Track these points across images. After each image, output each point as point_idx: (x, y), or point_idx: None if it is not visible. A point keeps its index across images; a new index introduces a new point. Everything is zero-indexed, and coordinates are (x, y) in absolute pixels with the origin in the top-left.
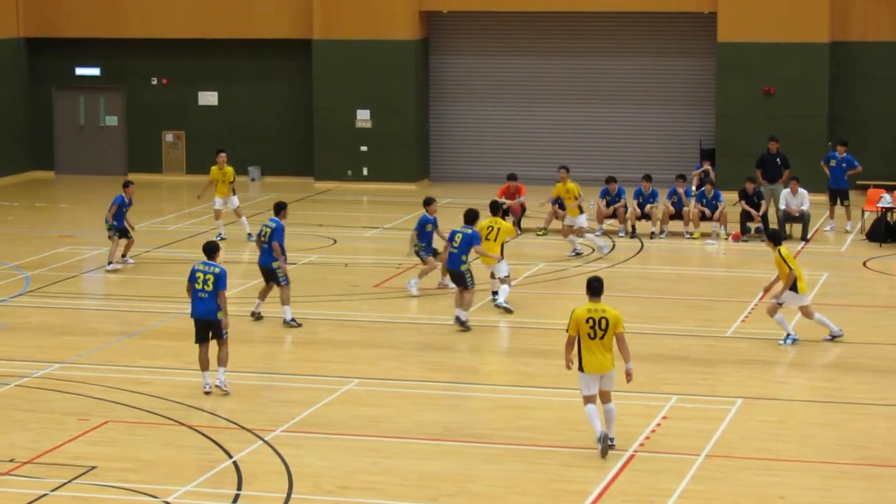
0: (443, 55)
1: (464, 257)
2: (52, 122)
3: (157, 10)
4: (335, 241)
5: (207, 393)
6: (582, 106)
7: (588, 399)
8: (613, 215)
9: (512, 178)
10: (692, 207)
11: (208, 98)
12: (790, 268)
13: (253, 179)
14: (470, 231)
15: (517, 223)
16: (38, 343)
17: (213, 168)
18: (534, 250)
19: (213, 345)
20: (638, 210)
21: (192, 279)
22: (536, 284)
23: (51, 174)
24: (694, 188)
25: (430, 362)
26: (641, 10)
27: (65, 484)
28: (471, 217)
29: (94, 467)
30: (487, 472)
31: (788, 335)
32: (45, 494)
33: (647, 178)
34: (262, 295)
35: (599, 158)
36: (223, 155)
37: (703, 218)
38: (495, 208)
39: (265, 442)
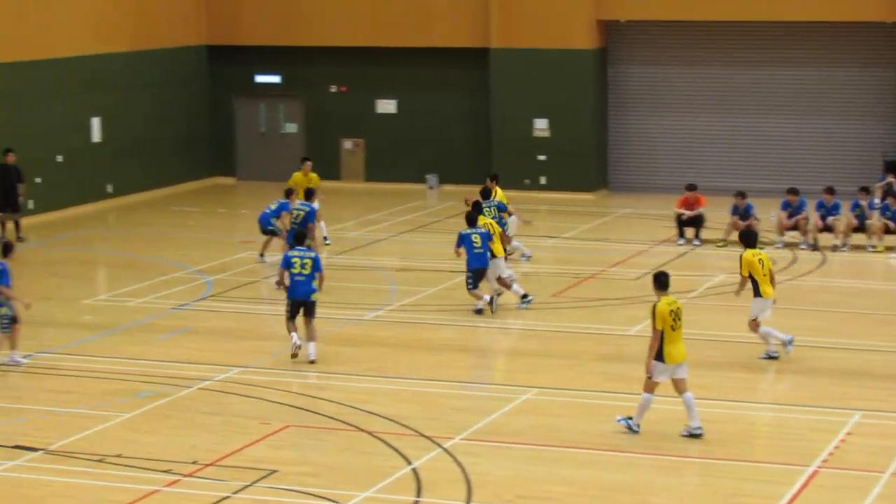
0: (621, 65)
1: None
2: (234, 129)
3: (336, 19)
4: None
5: (295, 355)
6: (763, 116)
7: (653, 387)
8: (795, 227)
9: (691, 188)
10: (875, 220)
11: (386, 106)
12: None
13: (431, 188)
14: (483, 230)
15: (697, 235)
16: (220, 347)
17: (297, 174)
18: (714, 262)
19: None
20: (820, 222)
21: (289, 265)
22: (715, 297)
23: (232, 180)
24: (877, 200)
25: (608, 372)
26: (823, 20)
27: (246, 487)
28: (472, 219)
29: (274, 471)
30: (667, 484)
31: None
32: (227, 497)
33: (830, 190)
34: None
35: (780, 169)
36: (309, 163)
37: (887, 231)
38: (478, 209)
39: (444, 449)
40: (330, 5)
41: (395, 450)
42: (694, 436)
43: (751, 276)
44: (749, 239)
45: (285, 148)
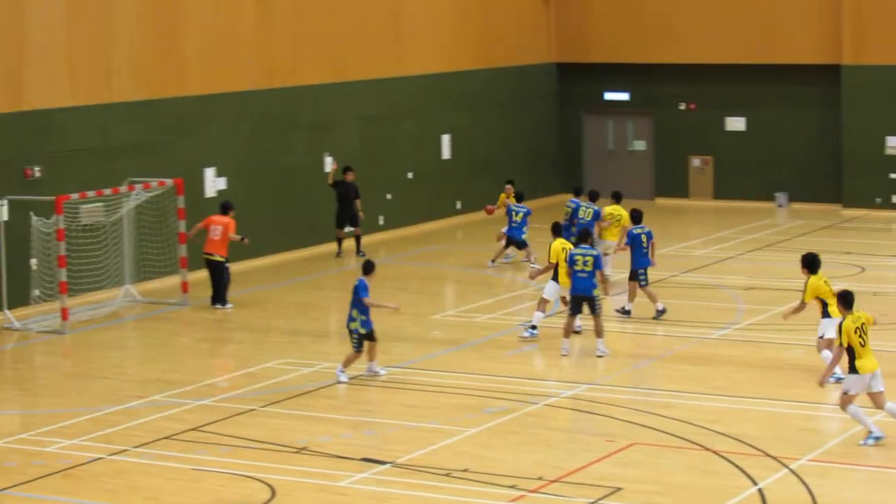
0: None
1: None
2: (582, 146)
3: (685, 36)
4: (863, 270)
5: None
6: None
7: (852, 400)
8: None
9: None
10: None
11: (735, 124)
12: None
13: (780, 206)
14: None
15: None
16: (567, 363)
17: (501, 195)
18: None
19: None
20: None
21: (573, 262)
22: None
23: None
24: None
25: None
26: None
27: None
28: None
29: (619, 489)
30: None
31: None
32: None
33: None
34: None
35: None
36: (510, 187)
37: None
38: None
39: (790, 470)
40: (678, 23)
41: (741, 469)
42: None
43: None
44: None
45: (633, 165)
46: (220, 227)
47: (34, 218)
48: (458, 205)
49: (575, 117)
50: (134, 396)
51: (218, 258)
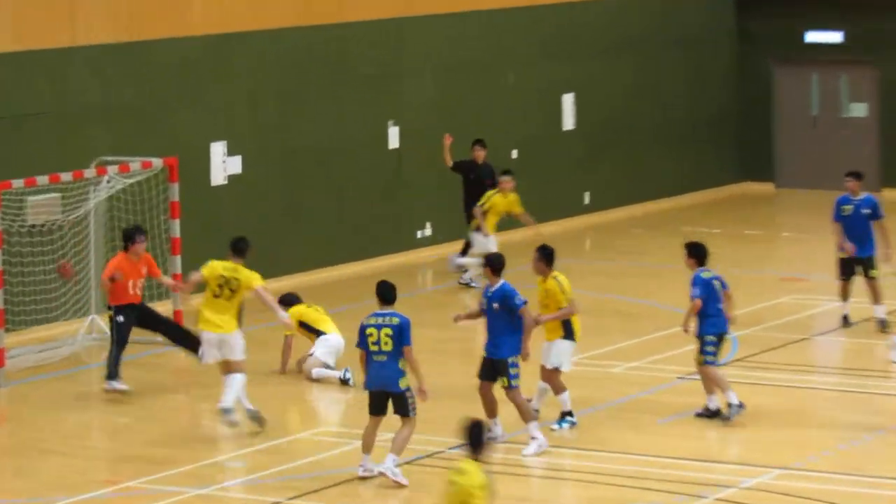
0: None
1: None
2: (770, 112)
3: None
4: None
5: None
6: None
7: None
8: None
9: None
10: None
11: None
12: None
13: None
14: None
15: None
16: (745, 438)
17: (495, 196)
18: None
19: None
20: None
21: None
22: None
23: (768, 186)
24: None
25: None
26: None
27: None
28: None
29: None
30: None
31: None
32: None
33: None
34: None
35: None
36: (506, 178)
37: None
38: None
39: None
40: None
41: None
42: None
43: None
44: None
45: (849, 139)
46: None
47: None
48: (586, 198)
49: (761, 69)
50: (101, 482)
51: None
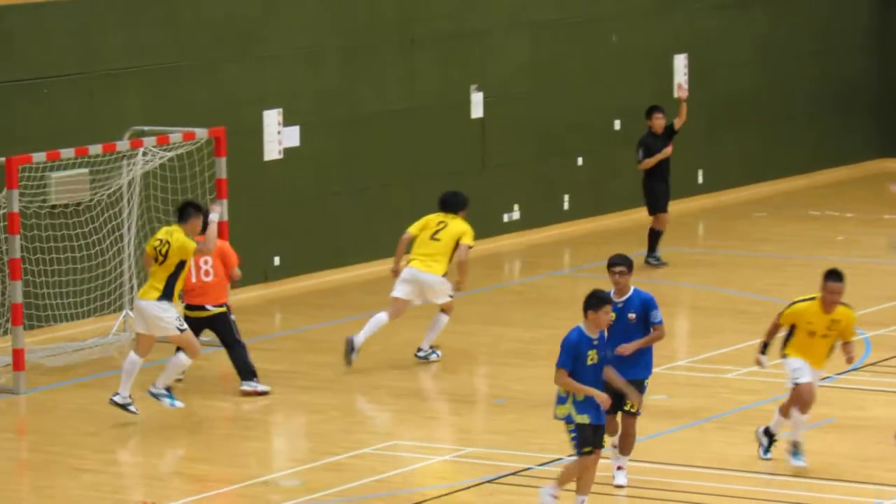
0: None
1: None
2: None
3: None
4: None
5: None
6: None
7: None
8: None
9: None
10: None
11: None
12: None
13: None
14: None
15: None
16: (886, 455)
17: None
18: None
19: None
20: None
21: None
22: None
23: None
24: None
25: None
26: None
27: None
28: None
29: None
30: None
31: None
32: None
33: None
34: None
35: None
36: None
37: None
38: None
39: None
40: None
41: None
42: None
43: None
44: None
45: None
46: (209, 257)
47: None
48: (700, 177)
49: None
50: (135, 503)
51: (212, 309)
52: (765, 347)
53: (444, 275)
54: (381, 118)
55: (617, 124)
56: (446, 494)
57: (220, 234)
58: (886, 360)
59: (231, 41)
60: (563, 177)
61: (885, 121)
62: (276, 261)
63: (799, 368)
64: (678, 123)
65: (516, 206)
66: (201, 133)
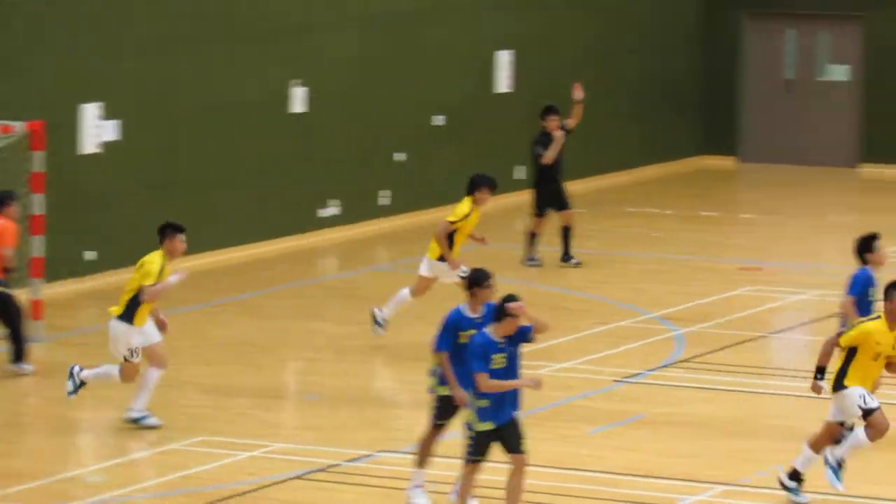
0: None
1: None
2: (739, 74)
3: None
4: None
5: None
6: None
7: None
8: None
9: None
10: None
11: None
12: None
13: None
14: None
15: None
16: (692, 449)
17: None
18: None
19: None
20: None
21: None
22: None
23: (729, 161)
24: None
25: None
26: None
27: None
28: None
29: None
30: None
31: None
32: None
33: None
34: None
35: None
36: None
37: None
38: None
39: None
40: None
41: None
42: None
43: None
44: None
45: (828, 108)
46: None
47: None
48: (519, 172)
49: (730, 23)
50: None
51: None
52: (822, 372)
53: (440, 257)
54: (203, 113)
55: (439, 120)
56: (253, 490)
57: (35, 228)
58: (698, 356)
59: (46, 26)
60: (383, 172)
61: (707, 118)
62: (90, 255)
63: (866, 395)
64: (571, 123)
65: (335, 202)
66: (18, 127)
